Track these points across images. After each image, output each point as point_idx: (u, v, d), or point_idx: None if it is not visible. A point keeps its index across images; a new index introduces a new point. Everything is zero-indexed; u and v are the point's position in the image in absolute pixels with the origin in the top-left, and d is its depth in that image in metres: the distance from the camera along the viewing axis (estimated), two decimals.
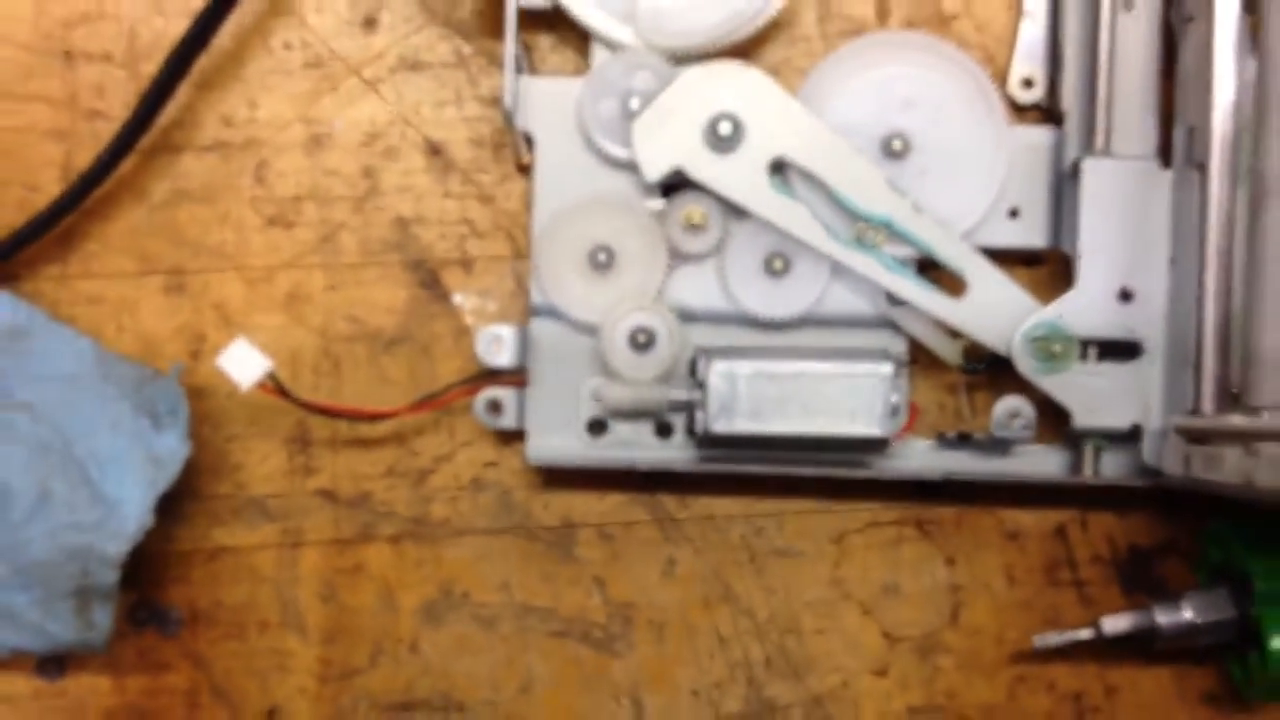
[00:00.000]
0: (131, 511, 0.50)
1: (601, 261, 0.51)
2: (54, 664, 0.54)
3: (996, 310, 0.50)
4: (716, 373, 0.49)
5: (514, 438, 0.53)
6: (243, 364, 0.49)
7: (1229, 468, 0.44)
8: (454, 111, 0.54)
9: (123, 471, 0.50)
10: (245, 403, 0.53)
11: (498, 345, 0.51)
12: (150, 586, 0.54)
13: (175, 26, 0.53)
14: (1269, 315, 0.44)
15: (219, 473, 0.54)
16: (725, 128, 0.49)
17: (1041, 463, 0.52)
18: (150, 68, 0.52)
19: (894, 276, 0.50)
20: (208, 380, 0.53)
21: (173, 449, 0.50)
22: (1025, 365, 0.50)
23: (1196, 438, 0.47)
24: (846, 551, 0.54)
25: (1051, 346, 0.50)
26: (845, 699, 0.54)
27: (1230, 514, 0.51)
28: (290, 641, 0.54)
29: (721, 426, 0.49)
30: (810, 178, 0.50)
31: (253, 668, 0.54)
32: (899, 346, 0.51)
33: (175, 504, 0.53)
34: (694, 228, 0.51)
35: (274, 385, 0.50)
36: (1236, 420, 0.45)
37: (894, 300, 0.51)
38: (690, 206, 0.51)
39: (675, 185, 0.51)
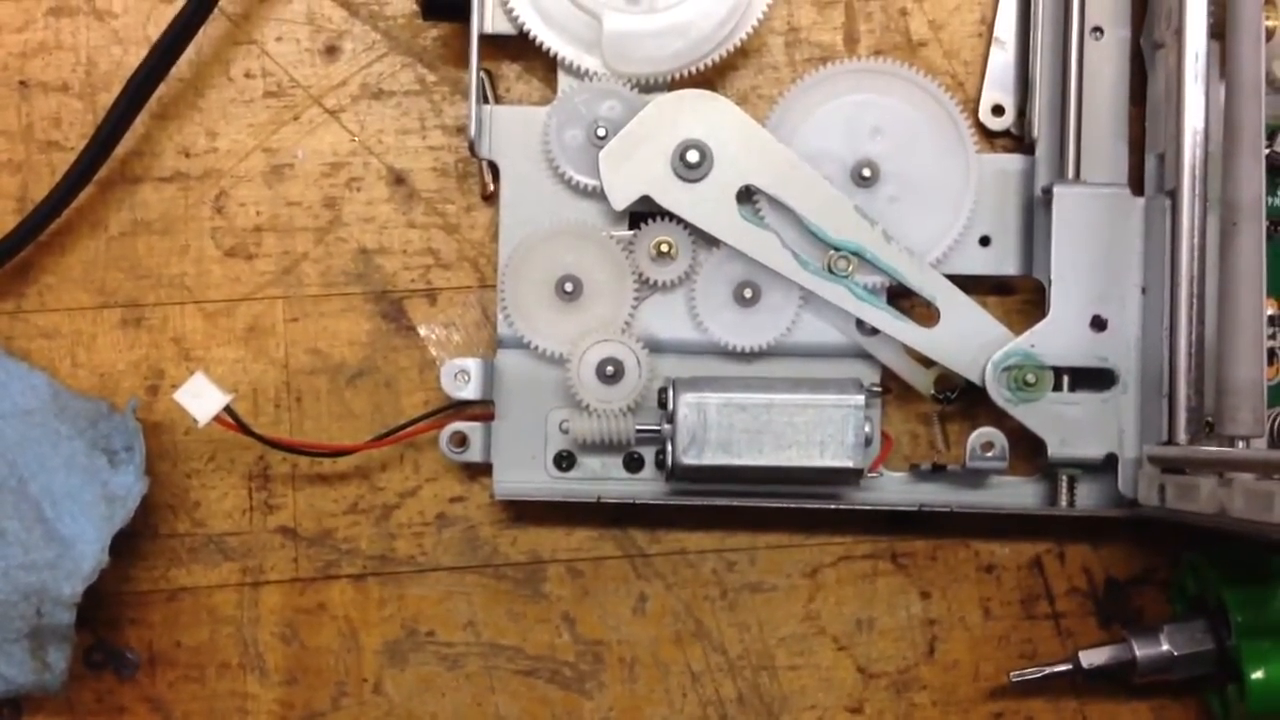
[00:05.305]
0: (87, 550, 0.49)
1: (569, 292, 0.50)
2: (9, 707, 0.53)
3: (968, 339, 0.50)
4: (686, 404, 0.49)
5: (480, 472, 0.53)
6: (201, 398, 0.48)
7: (1203, 498, 0.44)
8: (417, 140, 0.53)
9: (78, 509, 0.49)
10: (204, 438, 0.52)
11: (463, 378, 0.51)
12: (107, 628, 0.53)
13: (133, 56, 0.52)
14: (1242, 343, 0.44)
15: (177, 510, 0.53)
16: (693, 156, 0.49)
17: (1016, 494, 0.52)
18: (108, 98, 0.52)
19: (865, 305, 0.50)
20: (166, 415, 0.52)
21: (129, 486, 0.49)
22: (998, 395, 0.50)
23: (1171, 467, 0.47)
24: (820, 586, 0.53)
25: (1024, 376, 0.49)
26: None
27: (1206, 544, 0.51)
28: (251, 683, 0.53)
29: (691, 459, 0.49)
30: (780, 206, 0.50)
31: (213, 710, 0.53)
32: (871, 376, 0.51)
33: (132, 543, 0.52)
34: (662, 257, 0.50)
35: (233, 420, 0.49)
36: (1210, 450, 0.45)
37: (865, 329, 0.51)
38: (658, 235, 0.50)
39: (643, 214, 0.50)
